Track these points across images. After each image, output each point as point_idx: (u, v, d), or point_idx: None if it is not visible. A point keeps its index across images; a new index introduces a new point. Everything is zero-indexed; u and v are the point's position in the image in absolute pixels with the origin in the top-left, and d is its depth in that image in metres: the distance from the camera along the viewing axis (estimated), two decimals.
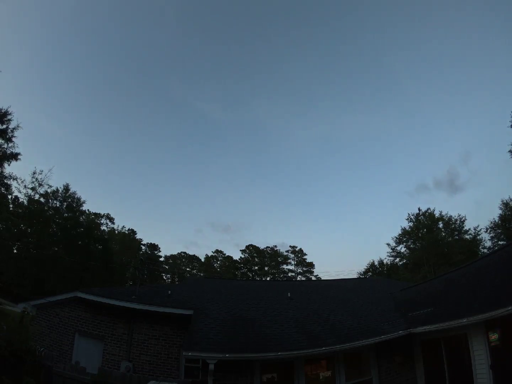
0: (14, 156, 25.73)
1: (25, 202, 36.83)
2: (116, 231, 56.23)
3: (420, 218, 45.00)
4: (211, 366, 8.21)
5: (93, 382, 7.92)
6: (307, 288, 17.24)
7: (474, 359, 8.42)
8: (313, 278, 59.52)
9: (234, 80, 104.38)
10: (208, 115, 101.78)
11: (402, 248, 46.97)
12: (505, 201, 38.68)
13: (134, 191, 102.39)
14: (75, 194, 41.21)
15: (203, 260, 68.56)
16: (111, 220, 55.63)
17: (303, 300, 13.65)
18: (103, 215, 54.61)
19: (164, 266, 66.54)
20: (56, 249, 36.02)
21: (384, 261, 50.69)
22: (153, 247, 64.42)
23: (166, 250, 75.38)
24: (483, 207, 72.18)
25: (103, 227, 53.08)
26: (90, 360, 10.07)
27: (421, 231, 43.89)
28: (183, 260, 70.52)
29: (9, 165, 26.40)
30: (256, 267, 64.45)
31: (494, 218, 39.23)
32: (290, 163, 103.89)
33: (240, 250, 65.80)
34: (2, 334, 7.28)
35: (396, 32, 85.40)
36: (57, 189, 39.85)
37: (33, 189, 37.06)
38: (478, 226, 41.14)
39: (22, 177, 37.89)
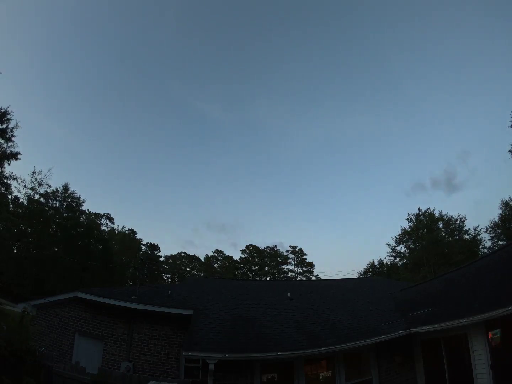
0: (14, 156, 25.78)
1: (25, 202, 36.84)
2: (116, 231, 56.25)
3: (420, 218, 45.01)
4: (211, 366, 8.21)
5: (93, 382, 7.92)
6: (307, 288, 17.24)
7: (474, 359, 8.41)
8: (313, 278, 59.53)
9: (235, 80, 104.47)
10: (208, 115, 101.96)
11: (402, 248, 47.04)
12: (505, 201, 38.74)
13: (134, 191, 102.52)
14: (74, 194, 41.30)
15: (203, 260, 68.60)
16: (111, 220, 55.72)
17: (303, 300, 13.65)
18: (103, 215, 54.69)
19: (164, 266, 66.53)
20: (56, 249, 36.02)
21: (384, 261, 50.77)
22: (153, 247, 64.41)
23: (166, 250, 75.53)
24: (482, 207, 72.23)
25: (103, 227, 53.14)
26: (90, 360, 10.07)
27: (421, 231, 43.89)
28: (183, 260, 70.52)
29: (9, 164, 26.49)
30: (256, 267, 64.44)
31: (494, 218, 39.32)
32: (290, 163, 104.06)
33: (240, 250, 65.93)
34: (2, 334, 7.28)
35: (396, 32, 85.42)
36: (57, 189, 39.94)
37: (33, 189, 37.11)
38: (478, 226, 41.25)
39: (22, 177, 37.89)
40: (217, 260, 68.22)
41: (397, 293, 14.82)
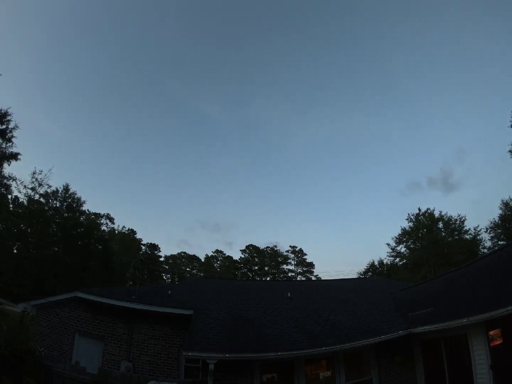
0: (14, 156, 25.84)
1: (25, 202, 36.84)
2: (116, 231, 56.24)
3: (420, 218, 45.03)
4: (211, 366, 8.21)
5: (93, 382, 7.92)
6: (307, 288, 17.25)
7: (474, 359, 8.42)
8: (313, 278, 59.54)
9: (235, 80, 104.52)
10: (208, 115, 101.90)
11: (402, 248, 47.07)
12: (505, 201, 38.74)
13: (134, 191, 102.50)
14: (75, 194, 41.27)
15: (203, 260, 68.62)
16: (111, 220, 55.73)
17: (303, 300, 13.65)
18: (103, 215, 54.69)
19: (164, 266, 66.55)
20: (56, 249, 36.01)
21: (384, 261, 50.75)
22: (153, 247, 64.44)
23: (166, 250, 75.52)
24: (480, 207, 72.35)
25: (103, 227, 53.11)
26: (90, 360, 10.07)
27: (421, 231, 43.91)
28: (183, 260, 70.54)
29: (9, 165, 26.57)
30: (256, 267, 64.44)
31: (494, 218, 39.31)
32: (290, 163, 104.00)
33: (240, 250, 65.90)
34: (2, 334, 7.28)
35: (395, 32, 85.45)
36: (57, 189, 39.92)
37: (33, 189, 37.11)
38: (478, 226, 41.26)
39: (22, 177, 38.02)
40: (217, 260, 68.24)
41: (397, 293, 14.82)
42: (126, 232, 58.35)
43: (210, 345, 8.81)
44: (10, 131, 25.27)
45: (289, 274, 63.79)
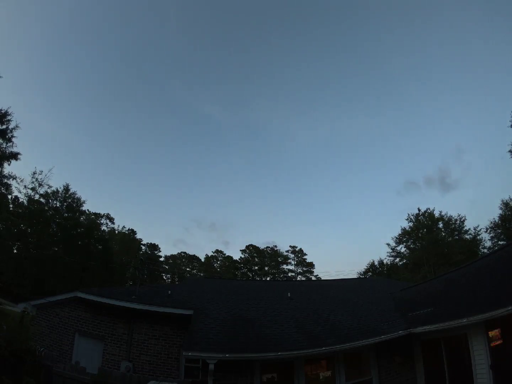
0: (14, 156, 25.80)
1: (25, 202, 36.82)
2: (116, 231, 56.23)
3: (420, 218, 45.04)
4: (211, 366, 8.21)
5: (93, 382, 7.92)
6: (307, 288, 17.25)
7: (474, 359, 8.42)
8: (313, 278, 59.54)
9: (236, 81, 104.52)
10: (208, 116, 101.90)
11: (402, 248, 47.08)
12: (505, 201, 38.74)
13: (134, 191, 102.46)
14: (75, 194, 41.23)
15: (203, 260, 68.61)
16: (111, 220, 55.69)
17: (303, 300, 13.65)
18: (103, 215, 54.66)
19: (164, 266, 66.55)
20: (56, 249, 36.01)
21: (384, 261, 50.75)
22: (153, 247, 64.43)
23: (166, 250, 75.46)
24: (478, 206, 72.54)
25: (103, 227, 53.05)
26: (90, 360, 10.07)
27: (421, 231, 43.91)
28: (183, 260, 70.54)
29: (9, 165, 26.50)
30: (256, 267, 64.44)
31: (494, 218, 39.32)
32: (290, 163, 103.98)
33: (240, 250, 65.87)
34: (2, 334, 7.28)
35: (395, 34, 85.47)
36: (57, 189, 39.88)
37: (33, 189, 37.08)
38: (478, 226, 41.27)
39: (22, 177, 37.77)
40: (217, 260, 68.24)
41: (397, 293, 14.82)
42: (126, 232, 58.34)
43: (210, 345, 8.81)
44: (11, 131, 25.25)
45: (289, 274, 63.80)
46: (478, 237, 41.12)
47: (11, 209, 36.12)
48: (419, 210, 45.45)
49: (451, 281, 12.60)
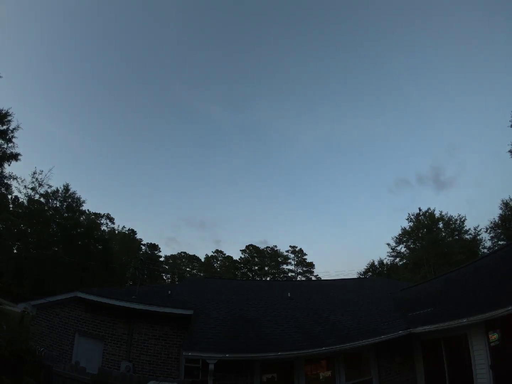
0: (14, 157, 25.85)
1: (25, 202, 36.83)
2: (116, 231, 56.22)
3: (420, 218, 45.02)
4: (211, 366, 8.21)
5: (93, 382, 7.92)
6: (307, 288, 17.25)
7: (474, 359, 8.41)
8: (313, 278, 59.52)
9: (236, 81, 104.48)
10: (209, 116, 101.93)
11: (402, 248, 47.06)
12: (505, 201, 38.73)
13: (134, 191, 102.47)
14: (75, 194, 41.24)
15: (203, 260, 68.60)
16: (111, 220, 55.68)
17: (303, 300, 13.65)
18: (103, 215, 54.64)
19: (164, 266, 66.53)
20: (56, 249, 36.02)
21: (384, 261, 50.73)
22: (153, 247, 64.42)
23: (166, 249, 75.45)
24: (476, 206, 72.67)
25: (103, 227, 53.06)
26: (90, 360, 10.08)
27: (421, 231, 43.89)
28: (183, 260, 70.52)
29: (9, 165, 26.58)
30: (256, 267, 64.42)
31: (494, 218, 39.31)
32: (290, 163, 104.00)
33: (240, 250, 65.86)
34: (2, 334, 7.29)
35: (394, 34, 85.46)
36: (57, 189, 39.89)
37: (33, 189, 37.09)
38: (478, 226, 41.27)
39: (22, 177, 37.81)
40: (217, 260, 68.23)
41: (397, 293, 14.82)
42: (126, 232, 58.33)
43: (210, 345, 8.81)
44: (12, 132, 25.29)
45: (289, 274, 63.78)
46: (478, 237, 41.16)
47: (11, 209, 36.14)
48: (419, 210, 45.52)
49: (451, 281, 12.59)
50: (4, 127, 25.03)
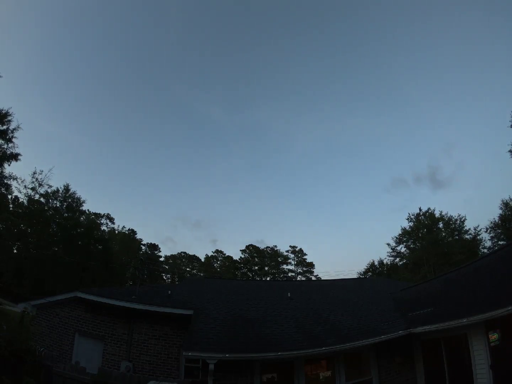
0: (14, 157, 25.85)
1: (25, 202, 36.83)
2: (116, 231, 56.23)
3: (420, 218, 45.00)
4: (211, 366, 8.20)
5: (93, 382, 7.92)
6: (307, 288, 17.24)
7: (474, 359, 8.41)
8: (313, 278, 59.51)
9: (237, 82, 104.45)
10: (210, 117, 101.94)
11: (402, 248, 47.05)
12: (505, 201, 38.72)
13: (134, 191, 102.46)
14: (75, 194, 41.26)
15: (203, 260, 68.59)
16: (111, 220, 55.72)
17: (303, 300, 13.64)
18: (103, 215, 54.68)
19: (164, 266, 66.52)
20: (56, 249, 36.01)
21: (384, 261, 50.73)
22: (153, 247, 64.43)
23: (164, 249, 75.48)
24: (477, 206, 72.72)
25: (103, 227, 53.12)
26: (90, 360, 10.08)
27: (421, 231, 43.88)
28: (183, 260, 70.51)
29: (9, 165, 26.58)
30: (256, 267, 64.41)
31: (494, 218, 39.30)
32: (290, 164, 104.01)
33: (240, 250, 65.86)
34: (2, 334, 7.29)
35: (394, 35, 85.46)
36: (57, 189, 39.90)
37: (33, 189, 37.10)
38: (478, 226, 41.25)
39: (22, 177, 37.88)
40: (217, 260, 68.22)
41: (397, 293, 14.81)
42: (126, 232, 58.34)
43: (210, 345, 8.80)
44: (12, 132, 25.29)
45: (289, 274, 63.78)
46: (478, 237, 41.16)
47: (11, 209, 36.14)
48: (419, 210, 45.51)
49: (451, 281, 12.59)
50: (4, 127, 25.03)
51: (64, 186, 40.61)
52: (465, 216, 42.40)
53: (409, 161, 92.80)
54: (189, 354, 8.43)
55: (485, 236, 40.31)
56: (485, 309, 8.00)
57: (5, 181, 28.83)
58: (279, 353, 8.77)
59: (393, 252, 47.70)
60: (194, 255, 69.86)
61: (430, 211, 44.44)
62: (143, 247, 62.09)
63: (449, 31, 77.73)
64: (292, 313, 11.74)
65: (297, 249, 65.43)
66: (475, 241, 40.96)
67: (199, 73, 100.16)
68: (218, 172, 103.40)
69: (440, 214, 43.81)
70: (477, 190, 76.53)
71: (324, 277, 61.43)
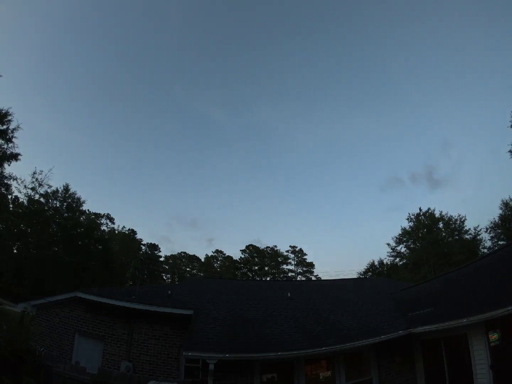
0: (14, 157, 25.83)
1: (25, 202, 36.82)
2: (116, 231, 56.22)
3: (420, 218, 44.99)
4: (211, 366, 8.20)
5: (93, 382, 7.92)
6: (307, 288, 17.24)
7: (474, 359, 8.41)
8: (313, 278, 59.51)
9: (237, 82, 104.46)
10: (210, 117, 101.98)
11: (402, 248, 47.03)
12: (505, 201, 38.71)
13: (134, 191, 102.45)
14: (75, 194, 41.25)
15: (203, 260, 68.58)
16: (111, 220, 55.73)
17: (303, 300, 13.64)
18: (103, 215, 54.68)
19: (164, 266, 66.52)
20: (56, 249, 36.01)
21: (384, 261, 50.71)
22: (153, 247, 64.43)
23: (163, 249, 75.43)
24: (477, 206, 72.79)
25: (103, 227, 53.12)
26: (90, 360, 10.07)
27: (421, 231, 43.87)
28: (183, 260, 70.51)
29: (9, 165, 26.54)
30: (256, 267, 64.40)
31: (494, 218, 39.30)
32: (290, 164, 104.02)
33: (240, 250, 65.87)
34: (2, 334, 7.29)
35: (394, 35, 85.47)
36: (57, 189, 39.90)
37: (33, 189, 37.09)
38: (478, 226, 41.25)
39: (22, 177, 37.90)
40: (217, 260, 68.21)
41: (397, 293, 14.81)
42: (126, 232, 58.34)
43: (210, 345, 8.80)
44: (12, 132, 25.26)
45: (289, 274, 63.77)
46: (478, 237, 41.15)
47: (11, 209, 36.13)
48: (420, 210, 45.50)
49: (451, 281, 12.59)
50: (4, 127, 25.00)
51: (64, 186, 40.66)
52: (465, 216, 42.48)
53: (405, 160, 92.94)
54: (189, 354, 8.43)
55: (485, 236, 40.39)
56: (485, 309, 8.00)
57: (5, 181, 28.82)
58: (279, 353, 8.77)
59: (393, 252, 47.72)
60: (194, 255, 69.92)
61: (430, 211, 44.48)
62: (143, 247, 62.15)
63: (449, 31, 77.81)
64: (292, 313, 11.73)
65: (297, 249, 65.47)
66: (475, 241, 40.96)
67: (199, 74, 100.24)
68: (218, 172, 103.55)
69: (440, 214, 43.87)
70: (476, 189, 76.63)
71: (324, 277, 61.54)
